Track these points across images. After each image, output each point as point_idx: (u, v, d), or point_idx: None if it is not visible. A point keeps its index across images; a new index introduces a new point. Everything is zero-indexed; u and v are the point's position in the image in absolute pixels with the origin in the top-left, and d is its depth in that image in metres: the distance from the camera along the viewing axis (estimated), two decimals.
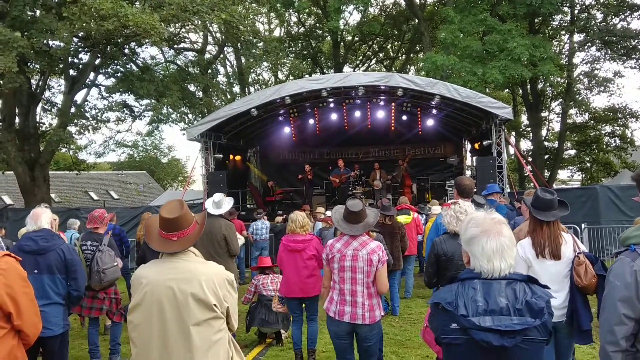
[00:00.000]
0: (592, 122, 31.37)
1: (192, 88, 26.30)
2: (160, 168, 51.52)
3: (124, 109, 24.83)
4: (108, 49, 21.26)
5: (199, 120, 19.19)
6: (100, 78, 24.38)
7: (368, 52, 34.98)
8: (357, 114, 18.62)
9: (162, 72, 26.40)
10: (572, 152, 34.55)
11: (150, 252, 5.87)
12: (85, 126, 22.29)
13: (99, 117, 23.30)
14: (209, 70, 27.18)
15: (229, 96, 28.97)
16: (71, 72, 21.21)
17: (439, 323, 2.42)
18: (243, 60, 29.38)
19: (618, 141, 32.00)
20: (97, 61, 21.74)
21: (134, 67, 24.17)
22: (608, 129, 31.96)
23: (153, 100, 22.83)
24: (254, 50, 24.20)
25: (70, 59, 20.26)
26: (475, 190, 5.96)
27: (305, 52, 31.98)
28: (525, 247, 4.14)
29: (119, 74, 23.66)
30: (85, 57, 21.78)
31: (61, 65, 19.95)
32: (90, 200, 36.74)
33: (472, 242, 2.44)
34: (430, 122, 18.37)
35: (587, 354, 6.35)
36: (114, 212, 11.95)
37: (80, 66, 21.49)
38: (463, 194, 5.44)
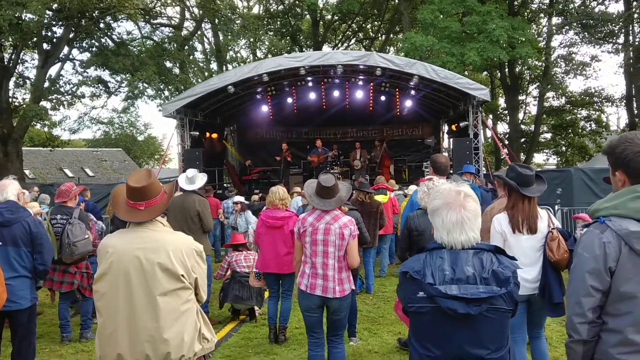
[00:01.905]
0: (569, 106, 31.77)
1: (168, 64, 25.88)
2: (137, 146, 50.91)
3: (99, 84, 24.41)
4: (83, 22, 20.80)
5: (175, 97, 18.93)
6: (75, 52, 23.89)
7: (347, 32, 34.75)
8: (336, 93, 18.52)
9: (138, 48, 25.92)
10: (548, 135, 34.98)
11: (123, 225, 5.79)
12: (59, 101, 21.87)
13: (73, 92, 22.87)
14: (186, 47, 26.74)
15: (206, 73, 28.57)
16: (45, 45, 20.74)
17: (406, 292, 2.41)
18: (221, 37, 29.02)
19: (593, 125, 32.47)
20: (71, 35, 21.27)
21: (110, 42, 23.71)
22: (584, 113, 32.41)
23: (128, 76, 22.43)
24: (232, 27, 23.86)
25: (43, 33, 19.77)
26: (451, 171, 6.00)
27: (284, 30, 31.66)
28: (502, 221, 4.19)
29: (93, 49, 23.19)
30: (59, 30, 21.30)
31: (34, 39, 19.46)
32: (65, 177, 36.16)
33: (434, 214, 2.44)
34: (408, 103, 18.37)
35: (556, 331, 6.47)
36: (88, 188, 11.76)
37: (54, 40, 21.01)
38: (438, 171, 5.46)
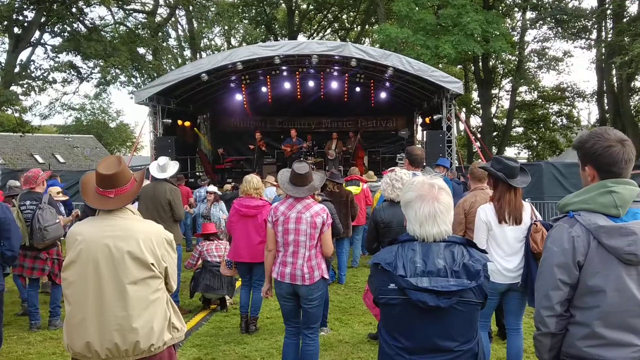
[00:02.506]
0: (541, 100, 32.26)
1: (141, 51, 25.48)
2: (108, 132, 50.12)
3: (71, 69, 23.92)
4: (54, 6, 20.31)
5: (148, 84, 18.64)
6: (47, 37, 23.43)
7: (323, 22, 34.65)
8: (311, 83, 18.46)
9: (110, 34, 25.46)
10: (520, 129, 35.52)
11: (92, 213, 5.69)
12: (30, 86, 21.41)
13: (44, 78, 22.38)
14: (160, 33, 26.34)
15: (179, 60, 28.23)
16: (15, 29, 20.22)
17: (377, 283, 2.41)
18: (195, 24, 28.64)
19: (565, 120, 33.07)
20: (43, 19, 20.79)
21: (82, 27, 23.23)
22: (555, 107, 32.96)
23: (101, 61, 22.03)
24: (206, 14, 23.56)
25: (14, 16, 19.27)
26: (424, 163, 6.03)
27: (259, 18, 31.40)
28: (487, 211, 4.27)
29: (65, 34, 22.71)
30: (30, 14, 20.78)
31: (5, 22, 18.95)
32: (36, 163, 35.45)
33: (407, 206, 2.43)
34: (382, 95, 18.41)
35: (524, 323, 6.57)
36: (58, 174, 11.53)
37: (25, 24, 20.50)
38: (414, 163, 5.48)
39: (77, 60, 24.02)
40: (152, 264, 2.78)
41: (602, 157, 2.24)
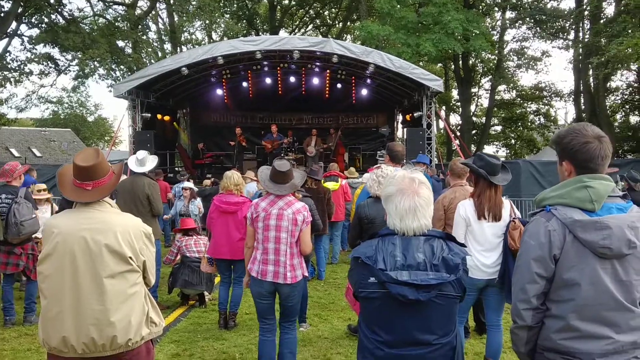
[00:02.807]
0: (519, 99, 32.64)
1: (120, 44, 25.16)
2: (86, 126, 49.38)
3: (48, 61, 23.53)
4: None
5: (127, 77, 18.42)
6: (24, 28, 23.00)
7: (305, 18, 34.59)
8: (292, 79, 18.42)
9: (89, 26, 25.09)
10: (499, 128, 35.89)
11: (69, 206, 5.60)
12: (6, 78, 21.01)
13: (21, 69, 21.99)
14: (139, 26, 26.03)
15: (159, 54, 27.94)
16: None
17: (357, 277, 2.41)
18: (176, 17, 28.36)
19: (542, 119, 33.51)
20: (20, 10, 20.40)
21: (60, 19, 22.85)
22: (533, 107, 33.39)
23: (79, 54, 21.70)
24: (187, 7, 23.35)
25: None
26: (405, 160, 6.05)
27: (241, 13, 31.24)
28: (467, 207, 4.30)
29: (43, 25, 22.32)
30: (7, 4, 20.38)
31: None
32: (11, 156, 34.82)
33: (388, 200, 2.44)
34: (364, 92, 18.46)
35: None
36: (34, 168, 11.36)
37: (2, 14, 20.10)
38: (394, 159, 5.50)
39: (55, 52, 23.68)
40: (130, 258, 2.74)
41: (580, 152, 2.26)
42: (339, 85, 18.77)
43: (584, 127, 2.33)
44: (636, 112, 27.77)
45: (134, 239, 2.78)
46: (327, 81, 18.38)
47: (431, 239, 2.39)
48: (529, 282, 2.29)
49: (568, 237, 2.23)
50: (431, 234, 2.41)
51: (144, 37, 26.59)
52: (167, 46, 30.37)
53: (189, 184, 11.01)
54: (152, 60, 25.51)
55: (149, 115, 15.66)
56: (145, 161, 6.86)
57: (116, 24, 25.28)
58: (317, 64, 17.06)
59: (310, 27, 35.67)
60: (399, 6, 20.52)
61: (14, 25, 21.22)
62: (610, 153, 2.29)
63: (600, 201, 2.23)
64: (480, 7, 26.51)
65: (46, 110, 45.81)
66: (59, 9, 22.58)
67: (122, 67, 24.53)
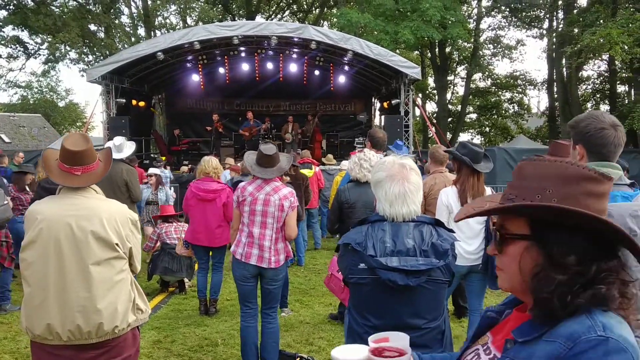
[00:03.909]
0: (494, 87, 32.98)
1: (93, 27, 24.63)
2: (57, 112, 48.18)
3: (17, 44, 22.93)
4: None
5: (100, 62, 18.06)
6: None
7: (282, 3, 34.27)
8: (269, 65, 18.26)
9: (60, 8, 24.48)
10: (474, 116, 36.23)
11: (46, 194, 5.49)
12: None
13: None
14: (112, 10, 25.50)
15: (133, 39, 27.41)
16: None
17: (347, 263, 2.43)
18: (149, 1, 27.84)
19: (516, 107, 33.95)
20: None
21: (29, 0, 22.26)
22: (508, 95, 33.79)
23: (49, 37, 21.18)
24: None
25: None
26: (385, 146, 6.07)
27: None
28: (449, 194, 4.34)
29: (11, 6, 21.70)
30: None
31: None
32: None
33: (377, 186, 2.45)
34: (342, 79, 18.41)
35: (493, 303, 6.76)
36: (5, 155, 11.13)
37: None
38: (376, 145, 5.51)
39: (24, 36, 23.07)
40: (117, 244, 2.71)
41: (594, 137, 2.30)
42: (317, 72, 18.70)
43: (601, 113, 2.37)
44: (606, 102, 28.28)
45: (121, 225, 2.74)
46: (305, 68, 18.29)
47: (420, 225, 2.42)
48: None
49: None
50: (420, 220, 2.43)
51: (117, 21, 26.06)
52: (141, 31, 29.81)
53: (155, 170, 10.59)
54: (125, 45, 25.05)
55: (124, 100, 15.39)
56: (123, 147, 6.76)
57: (88, 7, 24.70)
58: (295, 50, 16.95)
59: (287, 12, 35.37)
60: None
61: None
62: (623, 142, 2.33)
63: None
64: None
65: (14, 95, 44.65)
66: None
67: (94, 51, 24.03)
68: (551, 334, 1.14)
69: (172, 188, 12.08)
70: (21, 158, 12.45)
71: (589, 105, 29.53)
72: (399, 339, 1.45)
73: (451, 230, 2.52)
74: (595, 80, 29.12)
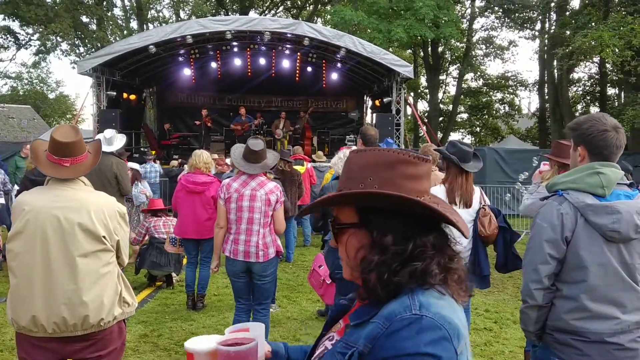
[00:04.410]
0: (485, 88, 33.10)
1: (85, 19, 24.44)
2: (47, 103, 47.73)
3: (7, 34, 22.72)
4: None
5: (92, 54, 17.93)
6: None
7: None
8: (262, 61, 18.23)
9: None
10: (465, 115, 36.36)
11: (33, 186, 5.46)
12: None
13: None
14: (105, 2, 25.31)
15: (125, 32, 27.25)
16: None
17: (333, 259, 2.45)
18: None
19: (507, 108, 34.11)
20: None
21: None
22: (499, 95, 33.93)
23: (40, 28, 20.99)
24: None
25: None
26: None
27: None
28: (438, 193, 4.32)
29: None
30: None
31: None
32: None
33: None
34: (334, 76, 18.41)
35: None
36: None
37: None
38: (367, 143, 5.50)
39: (15, 26, 22.85)
40: (104, 237, 2.70)
41: (596, 139, 2.35)
42: (309, 69, 18.69)
43: (603, 116, 2.42)
44: (596, 104, 28.47)
45: (108, 218, 2.73)
46: (298, 64, 18.27)
47: None
48: (542, 262, 2.38)
49: (580, 221, 2.33)
50: None
51: (109, 13, 25.88)
52: (133, 24, 29.65)
53: (134, 165, 10.29)
54: (117, 38, 24.89)
55: (114, 93, 15.30)
56: (114, 140, 6.72)
57: None
58: (288, 46, 16.93)
59: (281, 8, 35.28)
60: None
61: None
62: (624, 144, 2.39)
63: (610, 187, 2.33)
64: None
65: (4, 86, 44.24)
66: None
67: (86, 43, 23.85)
68: (377, 315, 1.17)
69: (155, 183, 11.92)
70: (28, 150, 12.33)
71: (579, 107, 29.74)
72: (257, 328, 1.52)
73: None
74: (586, 82, 29.32)
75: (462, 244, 4.30)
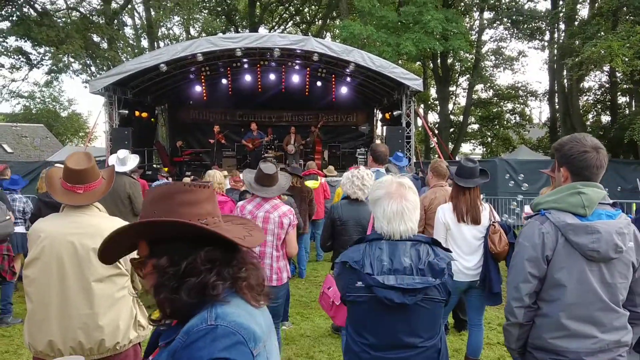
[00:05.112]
0: (496, 98, 33.04)
1: (96, 39, 24.78)
2: (60, 122, 48.33)
3: (20, 55, 23.07)
4: None
5: (103, 73, 18.17)
6: None
7: (285, 14, 34.48)
8: (272, 77, 18.38)
9: (63, 19, 24.65)
10: (476, 126, 36.25)
11: (46, 208, 5.54)
12: None
13: None
14: (115, 21, 25.66)
15: (136, 50, 27.59)
16: None
17: (345, 281, 2.47)
18: (153, 12, 28.05)
19: (518, 118, 34.00)
20: None
21: (32, 12, 22.42)
22: (509, 106, 33.84)
23: (52, 48, 21.30)
24: (164, 3, 23.09)
25: None
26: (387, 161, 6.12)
27: (220, 9, 31.02)
28: (446, 211, 4.38)
29: (14, 18, 21.86)
30: None
31: None
32: None
33: (376, 204, 2.51)
34: (344, 90, 18.51)
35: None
36: (7, 166, 11.14)
37: None
38: (378, 160, 5.56)
39: (27, 46, 23.24)
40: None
41: (577, 160, 2.39)
42: (319, 83, 18.80)
43: (583, 137, 2.46)
44: (607, 112, 28.30)
45: None
46: (307, 79, 18.40)
47: (417, 243, 2.46)
48: (523, 281, 2.40)
49: (560, 240, 2.35)
50: (417, 239, 2.48)
51: (120, 32, 26.22)
52: (144, 42, 30.01)
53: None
54: (128, 57, 25.21)
55: (127, 111, 15.49)
56: (127, 160, 6.81)
57: (91, 18, 24.87)
58: (298, 61, 17.05)
59: (290, 24, 35.59)
60: (379, 4, 20.58)
61: None
62: (605, 164, 2.42)
63: (591, 207, 2.36)
64: (459, 6, 26.76)
65: (17, 105, 44.82)
66: (31, 2, 22.13)
67: (97, 62, 24.17)
68: (180, 332, 1.27)
69: None
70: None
71: (590, 116, 29.56)
72: None
73: (448, 250, 2.57)
74: (597, 91, 29.16)
75: (472, 261, 4.32)
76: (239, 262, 1.39)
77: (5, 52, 22.37)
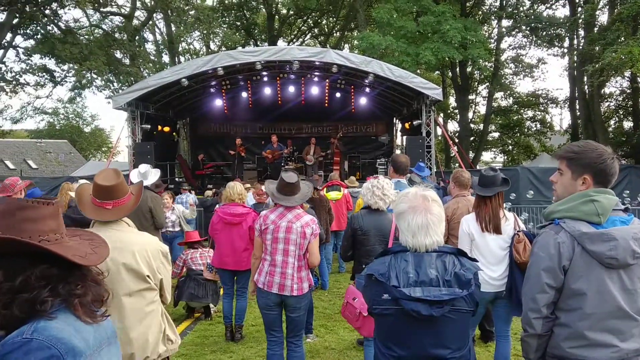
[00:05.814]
0: (516, 106, 32.79)
1: (118, 55, 25.22)
2: (83, 137, 49.18)
3: (44, 72, 23.56)
4: (27, 8, 20.03)
5: (125, 89, 18.47)
6: (19, 39, 23.00)
7: (303, 27, 34.74)
8: (291, 89, 18.49)
9: (86, 37, 25.15)
10: (496, 134, 35.99)
11: (74, 225, 5.63)
12: (1, 89, 21.01)
13: (16, 80, 21.99)
14: (137, 37, 26.10)
15: (157, 65, 28.00)
16: None
17: (371, 294, 2.47)
18: (173, 28, 28.47)
19: (539, 125, 33.68)
20: (15, 21, 20.44)
21: (56, 30, 22.91)
22: (530, 113, 33.55)
23: (75, 65, 21.74)
24: (185, 18, 23.43)
25: None
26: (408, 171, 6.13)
27: (239, 23, 31.37)
28: (469, 222, 4.37)
29: (38, 36, 22.36)
30: (1, 15, 20.46)
31: None
32: (6, 169, 34.70)
33: (400, 217, 2.50)
34: (363, 101, 18.54)
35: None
36: (34, 182, 11.34)
37: None
38: (398, 170, 5.57)
39: (51, 64, 23.70)
40: (148, 276, 2.80)
41: (608, 167, 2.39)
42: (338, 95, 18.87)
43: (599, 144, 2.46)
44: (629, 118, 27.90)
45: (152, 257, 2.83)
46: (327, 90, 18.49)
47: (443, 255, 2.45)
48: (539, 292, 2.38)
49: (577, 249, 2.33)
50: (443, 250, 2.47)
51: (141, 47, 26.66)
52: (165, 58, 30.44)
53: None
54: (150, 72, 25.59)
55: (149, 126, 15.72)
56: (148, 174, 6.92)
57: (114, 35, 25.33)
58: (317, 73, 17.15)
59: (308, 36, 35.84)
60: (397, 15, 20.64)
61: (9, 36, 21.25)
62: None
63: (605, 214, 2.34)
64: (477, 15, 26.71)
65: (41, 122, 45.67)
66: (55, 20, 22.62)
67: (120, 78, 24.60)
68: None
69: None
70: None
71: (612, 122, 29.17)
72: None
73: (474, 260, 2.55)
74: (618, 97, 28.79)
75: (497, 271, 4.29)
76: (77, 278, 1.45)
77: (30, 70, 22.85)
